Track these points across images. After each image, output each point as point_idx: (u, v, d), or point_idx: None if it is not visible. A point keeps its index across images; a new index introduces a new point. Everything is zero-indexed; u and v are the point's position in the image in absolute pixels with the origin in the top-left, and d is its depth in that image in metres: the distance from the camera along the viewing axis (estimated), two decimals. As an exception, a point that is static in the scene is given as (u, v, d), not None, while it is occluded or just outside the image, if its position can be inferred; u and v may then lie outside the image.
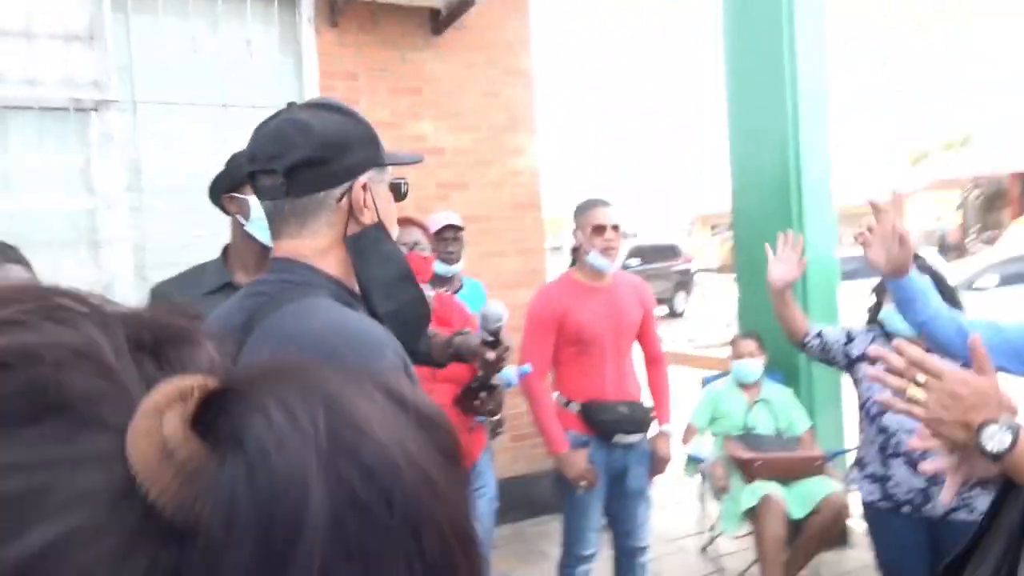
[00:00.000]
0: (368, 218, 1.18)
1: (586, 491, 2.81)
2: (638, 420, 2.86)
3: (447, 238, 3.41)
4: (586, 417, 2.83)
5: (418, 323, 1.19)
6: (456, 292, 3.44)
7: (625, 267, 15.95)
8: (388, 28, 4.49)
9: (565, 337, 2.87)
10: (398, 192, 1.29)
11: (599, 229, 2.84)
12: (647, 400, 3.01)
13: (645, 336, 3.05)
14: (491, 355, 1.88)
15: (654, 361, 3.09)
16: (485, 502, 2.66)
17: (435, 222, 3.49)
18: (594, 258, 2.86)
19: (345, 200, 1.16)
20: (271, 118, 1.19)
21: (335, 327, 1.04)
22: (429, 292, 2.56)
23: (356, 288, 1.19)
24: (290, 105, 1.20)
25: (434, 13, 4.56)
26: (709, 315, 13.10)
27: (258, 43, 4.22)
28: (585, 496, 2.82)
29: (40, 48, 3.75)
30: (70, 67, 3.81)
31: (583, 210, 2.91)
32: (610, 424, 2.81)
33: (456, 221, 3.48)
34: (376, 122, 4.34)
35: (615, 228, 2.85)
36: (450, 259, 3.42)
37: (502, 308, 1.91)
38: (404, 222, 2.60)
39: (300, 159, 1.14)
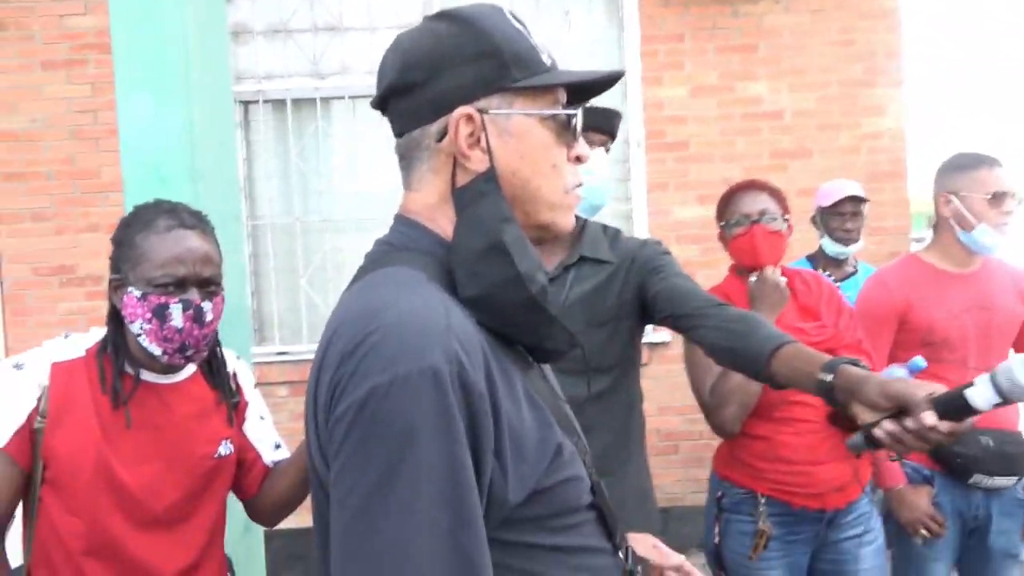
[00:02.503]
0: (477, 163, 0.85)
1: (927, 543, 2.14)
2: (1010, 457, 2.09)
3: (844, 212, 2.96)
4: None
5: (520, 313, 0.82)
6: (846, 279, 2.96)
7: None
8: (720, -21, 4.01)
9: (908, 337, 2.21)
10: (567, 129, 0.89)
11: (1000, 198, 2.12)
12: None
13: (1029, 343, 2.24)
14: (935, 423, 1.01)
15: (1042, 378, 2.26)
16: (870, 552, 2.00)
17: (829, 193, 3.03)
18: (982, 234, 2.13)
19: (447, 139, 0.85)
20: None
21: (372, 313, 0.77)
22: (777, 275, 1.97)
23: None
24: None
25: (774, -46, 3.97)
26: None
27: (577, 13, 4.06)
28: (925, 549, 2.15)
29: (380, 40, 4.02)
30: (405, 55, 4.04)
31: (967, 168, 2.18)
32: (967, 459, 2.09)
33: (858, 192, 2.98)
34: (701, 87, 3.92)
35: (1014, 198, 2.13)
36: (848, 238, 2.98)
37: None
38: (747, 186, 2.06)
39: (387, 87, 0.89)
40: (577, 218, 1.75)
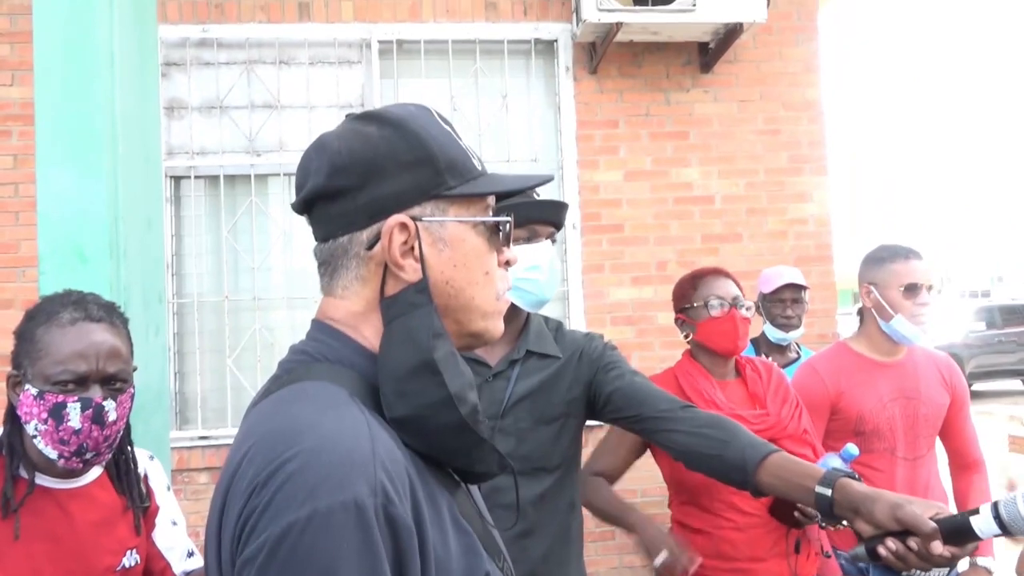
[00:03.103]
0: (410, 273, 0.81)
1: (864, 636, 2.11)
2: (941, 548, 2.10)
3: (785, 299, 2.97)
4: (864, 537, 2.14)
5: (450, 436, 0.78)
6: (789, 365, 2.95)
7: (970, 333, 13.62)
8: (652, 69, 4.16)
9: (839, 426, 2.22)
10: (498, 235, 0.86)
11: (913, 289, 2.17)
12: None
13: (953, 432, 2.28)
14: (942, 551, 1.08)
15: (965, 467, 2.29)
16: None
17: (770, 280, 3.05)
18: (900, 325, 2.17)
19: (379, 247, 0.81)
20: None
21: (289, 436, 0.71)
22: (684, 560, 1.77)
23: None
24: (346, 117, 0.90)
25: (703, 48, 4.14)
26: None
27: (514, 97, 4.14)
28: (862, 643, 2.12)
29: (318, 118, 4.01)
30: (343, 133, 4.03)
31: (884, 261, 2.24)
32: (899, 549, 2.08)
33: (798, 279, 2.99)
34: (635, 172, 3.98)
35: (930, 289, 2.19)
36: (789, 324, 2.98)
37: None
38: (715, 272, 2.08)
39: (312, 191, 0.83)
40: (520, 311, 1.73)
